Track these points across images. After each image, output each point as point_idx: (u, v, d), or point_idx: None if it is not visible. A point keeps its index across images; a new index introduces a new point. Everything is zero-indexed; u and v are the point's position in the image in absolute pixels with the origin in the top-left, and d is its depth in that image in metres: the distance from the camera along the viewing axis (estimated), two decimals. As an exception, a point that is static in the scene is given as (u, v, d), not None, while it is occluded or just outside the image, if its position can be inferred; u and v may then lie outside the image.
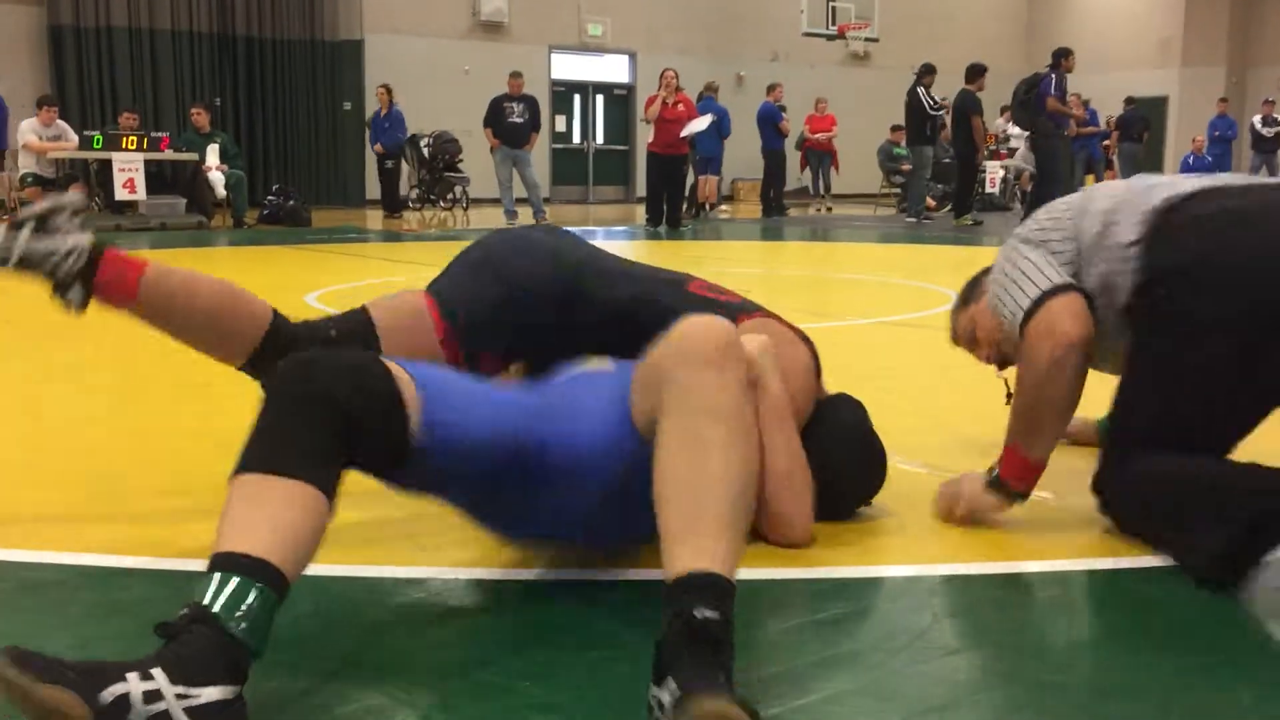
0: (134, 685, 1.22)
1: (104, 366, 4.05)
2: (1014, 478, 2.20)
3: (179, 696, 1.23)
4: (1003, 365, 2.55)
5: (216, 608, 1.31)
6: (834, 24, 19.76)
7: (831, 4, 19.60)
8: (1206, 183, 2.16)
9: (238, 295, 2.13)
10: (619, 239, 11.45)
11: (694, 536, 1.40)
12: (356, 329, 2.16)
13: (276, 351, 2.02)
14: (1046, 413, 2.15)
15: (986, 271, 2.49)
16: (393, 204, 14.11)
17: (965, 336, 2.65)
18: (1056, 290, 2.13)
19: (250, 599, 1.33)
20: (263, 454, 1.48)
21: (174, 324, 2.10)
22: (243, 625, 1.31)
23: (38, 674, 1.19)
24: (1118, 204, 2.18)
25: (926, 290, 6.55)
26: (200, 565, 1.76)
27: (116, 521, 2.16)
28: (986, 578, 1.96)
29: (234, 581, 1.34)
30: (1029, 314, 2.13)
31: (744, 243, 11.34)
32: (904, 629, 1.74)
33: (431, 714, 1.45)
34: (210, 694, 1.25)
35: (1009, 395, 2.28)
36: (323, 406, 1.51)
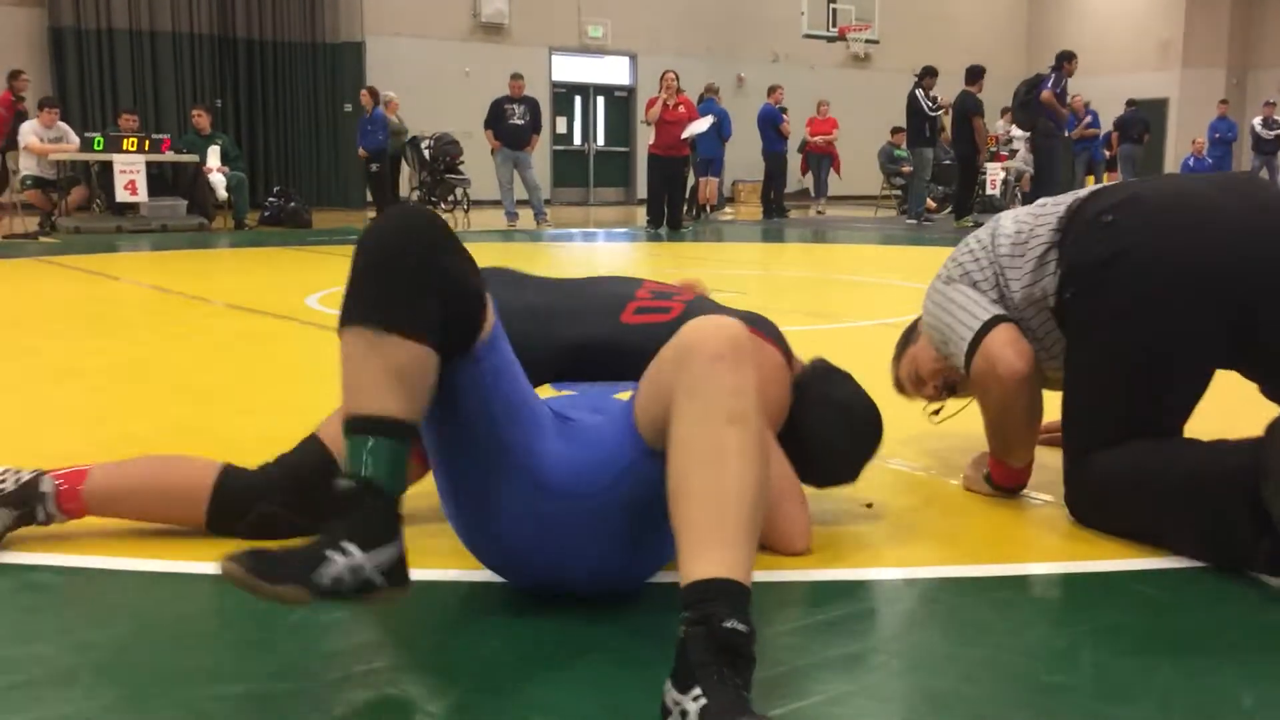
0: (340, 563, 1.41)
1: (105, 368, 4.05)
2: (1004, 482, 2.41)
3: (373, 564, 1.44)
4: (953, 392, 2.60)
5: (380, 475, 1.46)
6: (835, 26, 19.75)
7: (832, 6, 19.60)
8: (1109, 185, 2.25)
9: (171, 473, 2.11)
10: (620, 240, 11.45)
11: (716, 545, 1.39)
12: (306, 460, 2.07)
13: (229, 512, 2.03)
14: (1013, 432, 2.31)
15: (916, 323, 2.64)
16: (383, 207, 14.07)
17: (910, 379, 2.68)
18: (988, 326, 2.24)
19: (394, 458, 1.47)
20: (380, 308, 1.50)
21: (129, 515, 2.11)
22: (397, 485, 1.48)
23: (262, 573, 1.35)
24: (1026, 222, 2.29)
25: (922, 292, 6.54)
26: (196, 569, 1.76)
27: (111, 523, 2.16)
28: (986, 580, 1.96)
29: (385, 445, 1.47)
30: (969, 354, 2.24)
31: (745, 244, 11.34)
32: (904, 630, 1.74)
33: (436, 717, 1.45)
34: (390, 552, 1.47)
35: (935, 412, 2.56)
36: (431, 273, 1.52)
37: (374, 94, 13.84)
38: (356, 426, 1.48)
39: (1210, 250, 2.01)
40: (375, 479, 1.46)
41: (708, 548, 1.39)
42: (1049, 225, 2.23)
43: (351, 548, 1.42)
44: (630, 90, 19.99)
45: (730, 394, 1.47)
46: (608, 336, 2.09)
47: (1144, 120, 18.31)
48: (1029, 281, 2.23)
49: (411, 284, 1.51)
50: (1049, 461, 2.76)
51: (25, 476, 2.01)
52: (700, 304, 2.22)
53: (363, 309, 1.51)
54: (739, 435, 1.45)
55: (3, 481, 2.00)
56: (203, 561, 1.95)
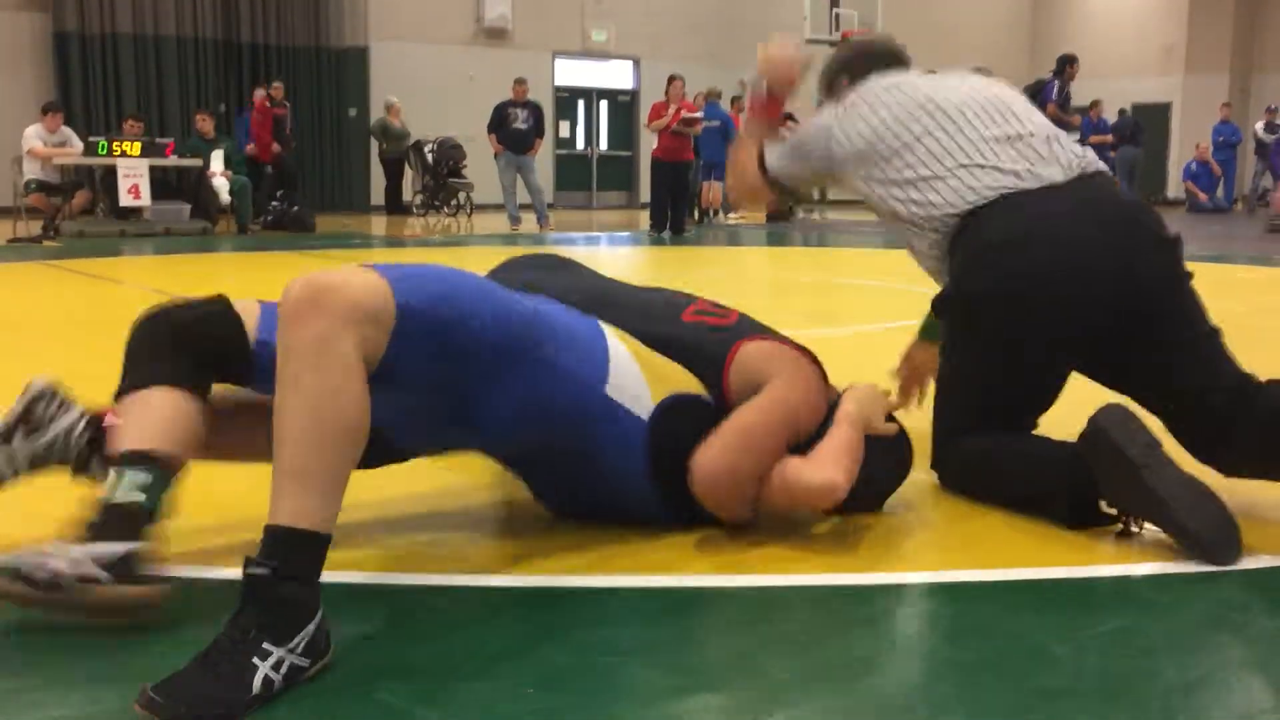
0: (58, 557, 1.59)
1: (108, 372, 4.04)
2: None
3: (94, 555, 1.60)
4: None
5: (116, 498, 1.67)
6: (837, 30, 19.76)
7: (835, 10, 19.62)
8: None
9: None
10: (623, 245, 11.45)
11: (273, 493, 1.53)
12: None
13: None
14: None
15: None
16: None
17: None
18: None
19: (139, 479, 1.68)
20: (131, 381, 1.86)
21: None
22: (135, 496, 1.67)
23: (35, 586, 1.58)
24: (926, 204, 2.47)
25: (930, 296, 6.53)
26: (192, 573, 1.76)
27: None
28: (990, 584, 1.95)
29: (126, 473, 1.69)
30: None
31: (749, 248, 11.34)
32: (908, 636, 1.73)
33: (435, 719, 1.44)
34: (115, 549, 1.61)
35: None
36: (167, 332, 1.90)
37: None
38: (115, 461, 1.74)
39: (1059, 292, 2.28)
40: (113, 501, 1.67)
41: (272, 498, 1.54)
42: (938, 230, 2.44)
43: (76, 549, 1.60)
44: (633, 94, 20.01)
45: (292, 340, 1.58)
46: (669, 332, 2.20)
47: (1136, 124, 18.41)
48: (924, 235, 2.50)
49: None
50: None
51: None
52: (750, 322, 2.31)
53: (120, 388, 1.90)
54: (291, 369, 1.56)
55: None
56: (198, 565, 1.95)
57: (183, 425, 1.79)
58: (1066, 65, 12.46)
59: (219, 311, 1.92)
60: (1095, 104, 17.78)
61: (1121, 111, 18.65)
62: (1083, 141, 16.72)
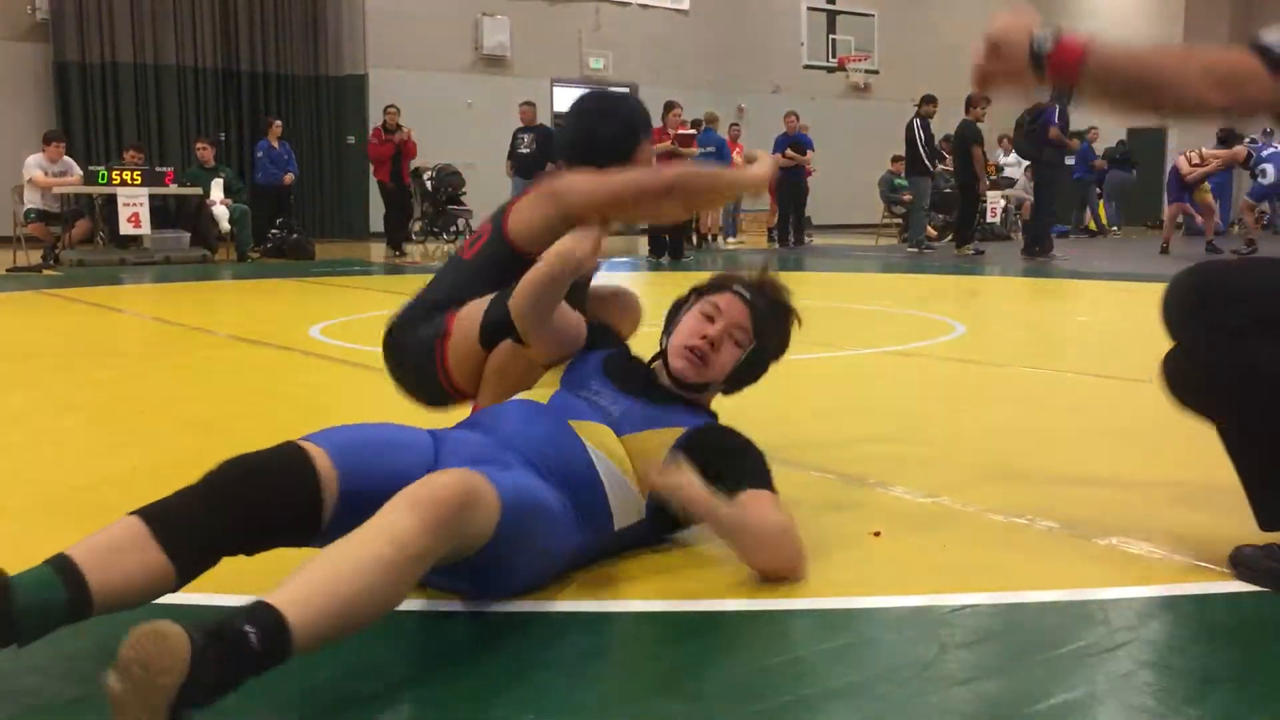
0: None
1: (107, 400, 4.05)
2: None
3: None
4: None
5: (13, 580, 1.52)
6: (834, 56, 19.89)
7: (832, 37, 19.75)
8: None
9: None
10: (623, 270, 11.48)
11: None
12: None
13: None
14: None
15: None
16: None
17: None
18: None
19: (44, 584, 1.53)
20: (163, 517, 1.64)
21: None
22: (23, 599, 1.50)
23: None
24: None
25: (928, 320, 6.55)
26: (198, 600, 1.75)
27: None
28: (989, 608, 1.95)
29: (45, 569, 1.55)
30: None
31: (746, 274, 11.35)
32: (908, 660, 1.73)
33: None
34: None
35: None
36: (236, 510, 1.67)
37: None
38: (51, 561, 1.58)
39: None
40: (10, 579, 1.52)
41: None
42: None
43: None
44: (631, 121, 20.05)
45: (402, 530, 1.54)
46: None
47: (1126, 149, 18.62)
48: None
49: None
50: (1057, 486, 2.76)
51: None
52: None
53: (154, 507, 1.69)
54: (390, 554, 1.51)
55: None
56: (205, 593, 1.94)
57: (132, 582, 1.62)
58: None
59: (294, 476, 1.74)
60: (1092, 129, 18.01)
61: (1121, 142, 18.87)
62: (1081, 166, 16.85)
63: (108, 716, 1.32)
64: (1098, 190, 18.61)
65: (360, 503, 1.66)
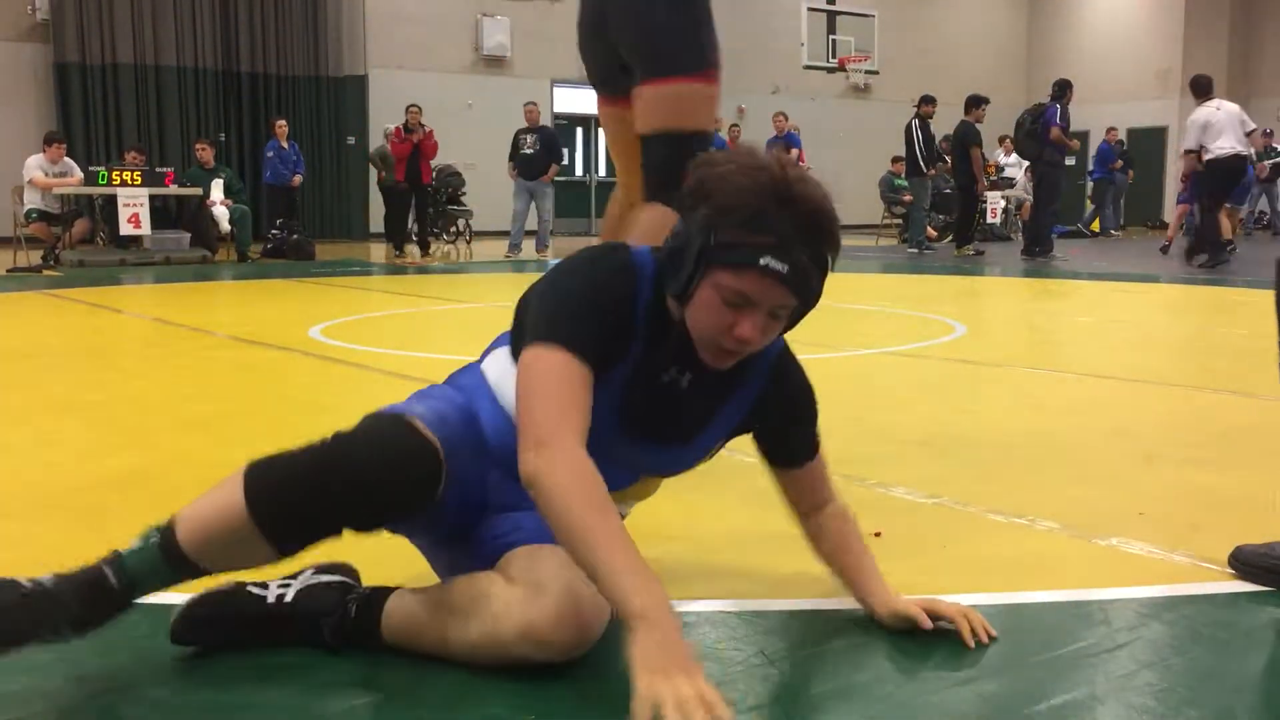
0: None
1: (107, 401, 4.05)
2: None
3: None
4: None
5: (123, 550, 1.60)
6: (834, 57, 19.89)
7: (832, 37, 19.74)
8: None
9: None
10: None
11: None
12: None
13: None
14: None
15: None
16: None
17: None
18: None
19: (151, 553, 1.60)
20: (273, 498, 1.56)
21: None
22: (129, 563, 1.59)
23: None
24: None
25: (928, 320, 6.55)
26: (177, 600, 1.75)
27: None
28: (989, 608, 1.94)
29: (154, 538, 1.61)
30: None
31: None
32: (908, 661, 1.73)
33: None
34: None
35: None
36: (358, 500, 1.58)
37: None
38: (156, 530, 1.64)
39: None
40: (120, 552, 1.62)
41: None
42: None
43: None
44: (632, 122, 20.04)
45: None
46: None
47: (1121, 153, 18.67)
48: None
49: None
50: (1057, 487, 2.76)
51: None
52: None
53: (266, 479, 1.61)
54: None
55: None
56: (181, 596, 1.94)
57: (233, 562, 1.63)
58: (1067, 89, 12.59)
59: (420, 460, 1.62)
60: (1111, 130, 18.26)
61: (1119, 142, 18.93)
62: (1100, 167, 16.88)
63: (108, 717, 1.32)
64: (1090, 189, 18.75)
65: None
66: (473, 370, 1.87)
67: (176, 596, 1.88)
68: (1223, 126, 11.32)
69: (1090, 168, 19.25)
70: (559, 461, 1.54)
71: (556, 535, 1.54)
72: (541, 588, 1.57)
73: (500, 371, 1.80)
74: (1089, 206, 19.51)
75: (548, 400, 1.58)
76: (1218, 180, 11.52)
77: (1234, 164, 11.36)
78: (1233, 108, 11.48)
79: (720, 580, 2.08)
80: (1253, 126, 11.55)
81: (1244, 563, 2.06)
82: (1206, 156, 11.43)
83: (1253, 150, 11.75)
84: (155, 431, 3.52)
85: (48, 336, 6.00)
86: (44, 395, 4.17)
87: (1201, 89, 11.64)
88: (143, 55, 15.13)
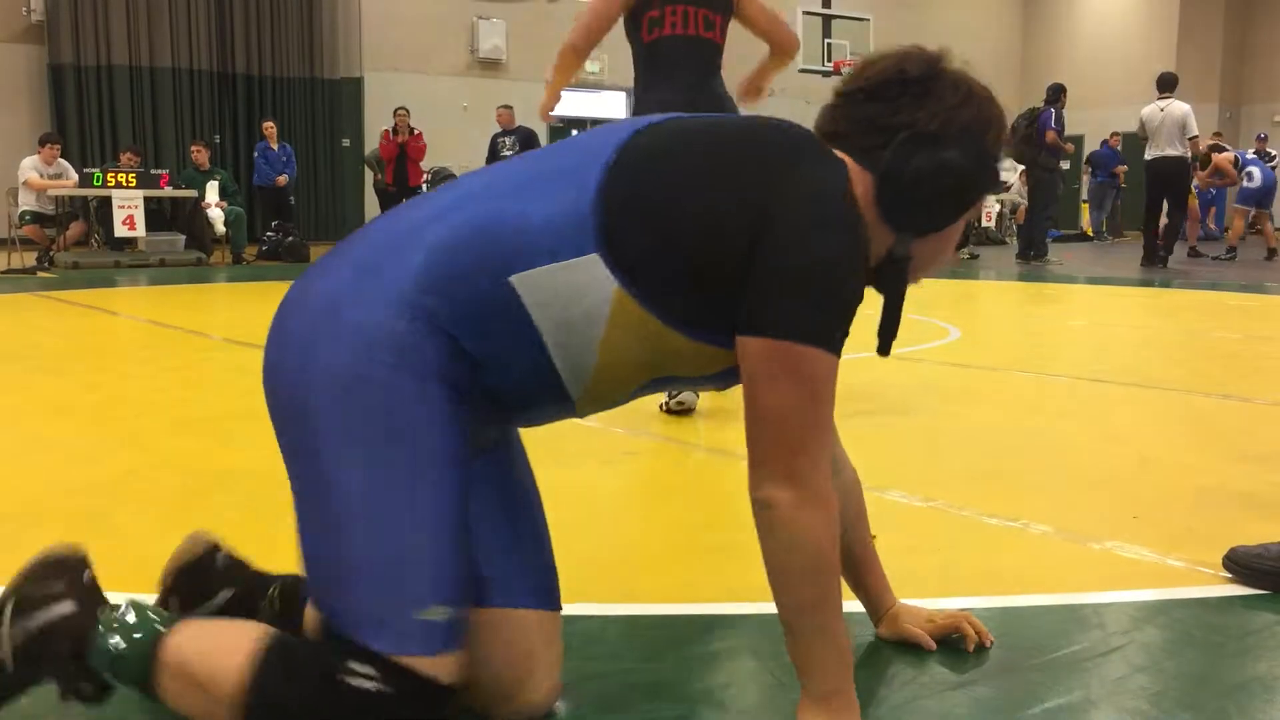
0: None
1: (101, 403, 4.04)
2: None
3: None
4: None
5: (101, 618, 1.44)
6: (830, 60, 19.91)
7: (827, 41, 19.76)
8: None
9: None
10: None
11: None
12: None
13: None
14: None
15: None
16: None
17: None
18: None
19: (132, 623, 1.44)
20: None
21: None
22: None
23: None
24: None
25: (924, 324, 6.56)
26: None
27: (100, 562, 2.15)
28: (984, 612, 1.95)
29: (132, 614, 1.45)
30: None
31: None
32: (903, 664, 1.73)
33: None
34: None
35: None
36: None
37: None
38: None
39: None
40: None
41: None
42: None
43: None
44: (627, 125, 20.07)
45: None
46: None
47: (1109, 157, 18.73)
48: None
49: None
50: (1051, 491, 2.76)
51: None
52: None
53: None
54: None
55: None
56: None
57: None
58: (1061, 94, 12.63)
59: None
60: (1114, 134, 18.49)
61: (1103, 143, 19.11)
62: (1103, 171, 16.91)
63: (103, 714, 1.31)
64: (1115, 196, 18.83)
65: None
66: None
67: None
68: (1159, 127, 11.36)
69: (1091, 170, 19.27)
70: (821, 507, 1.41)
71: (783, 575, 1.41)
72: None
73: (568, 287, 1.41)
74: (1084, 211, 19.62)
75: (819, 422, 1.45)
76: (1154, 183, 11.58)
77: (1164, 166, 11.39)
78: (1179, 109, 11.46)
79: (717, 581, 2.08)
80: (1194, 133, 11.45)
81: (1238, 564, 2.07)
82: (1145, 157, 11.51)
83: (1189, 153, 11.65)
84: (149, 434, 3.51)
85: (42, 338, 5.98)
86: (38, 397, 4.16)
87: (1163, 85, 11.71)
88: (138, 57, 15.11)
